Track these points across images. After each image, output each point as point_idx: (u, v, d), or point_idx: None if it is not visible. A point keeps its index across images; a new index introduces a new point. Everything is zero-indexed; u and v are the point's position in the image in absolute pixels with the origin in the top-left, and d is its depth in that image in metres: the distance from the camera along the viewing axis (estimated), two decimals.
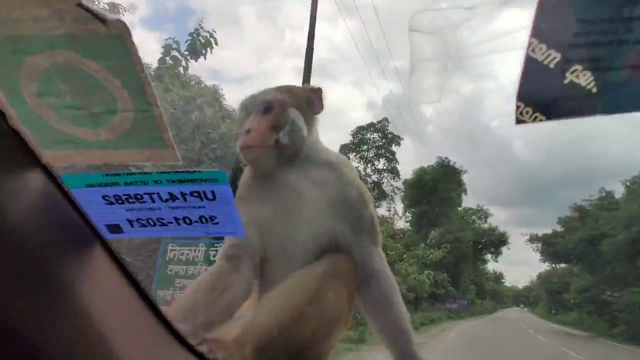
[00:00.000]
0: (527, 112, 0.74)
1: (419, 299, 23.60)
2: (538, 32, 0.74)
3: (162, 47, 8.13)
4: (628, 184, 26.63)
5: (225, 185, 0.74)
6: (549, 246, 30.44)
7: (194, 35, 8.36)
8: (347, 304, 1.32)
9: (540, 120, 0.74)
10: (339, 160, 1.49)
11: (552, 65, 0.73)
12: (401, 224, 37.38)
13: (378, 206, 34.01)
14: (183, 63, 8.22)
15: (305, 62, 8.61)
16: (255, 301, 1.46)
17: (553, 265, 40.38)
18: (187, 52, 8.29)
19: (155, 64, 7.91)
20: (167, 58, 8.03)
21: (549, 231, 32.16)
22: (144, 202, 0.76)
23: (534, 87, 0.75)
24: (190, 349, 0.86)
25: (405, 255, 25.71)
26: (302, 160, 1.39)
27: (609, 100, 0.71)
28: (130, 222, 0.79)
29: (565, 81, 0.72)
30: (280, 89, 1.41)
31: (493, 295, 73.32)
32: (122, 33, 0.65)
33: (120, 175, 0.71)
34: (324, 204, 1.35)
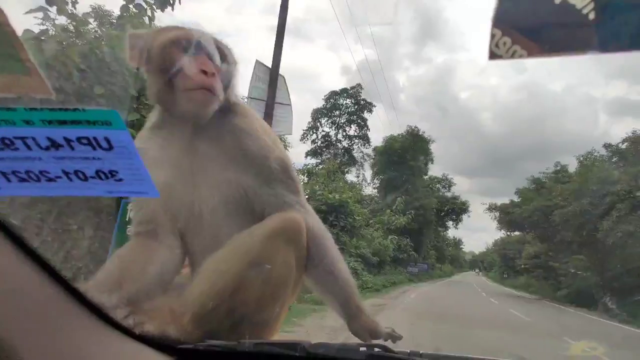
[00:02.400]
0: (504, 44, 0.59)
1: (382, 263, 24.33)
2: None
3: None
4: (581, 159, 27.92)
5: (122, 131, 0.58)
6: (506, 215, 31.71)
7: None
8: (295, 266, 1.23)
9: (520, 56, 0.59)
10: (235, 109, 1.34)
11: None
12: (369, 190, 38.01)
13: (348, 172, 34.38)
14: (148, 13, 7.62)
15: (279, 20, 8.16)
16: (190, 272, 1.36)
17: (508, 233, 42.38)
18: (152, 1, 7.67)
19: (117, 12, 7.35)
20: (131, 6, 7.41)
21: (507, 201, 33.42)
22: (17, 149, 0.59)
23: (515, 10, 0.58)
24: (113, 323, 0.76)
25: (371, 221, 26.23)
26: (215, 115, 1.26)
27: (608, 32, 0.55)
28: (4, 175, 0.62)
29: (557, 1, 0.56)
30: (215, 40, 1.27)
31: (452, 260, 76.87)
32: None
33: None
34: (222, 159, 1.25)
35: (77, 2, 6.35)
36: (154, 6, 7.55)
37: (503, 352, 7.42)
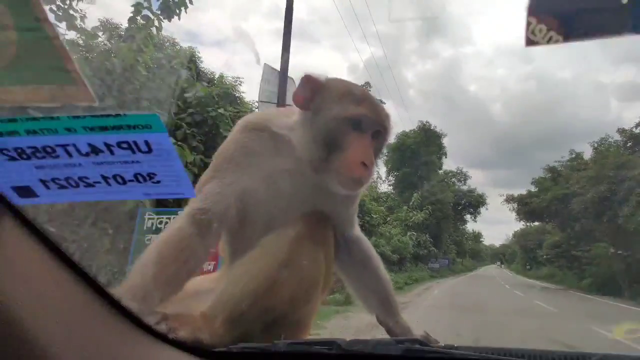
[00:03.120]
0: (540, 31, 0.60)
1: (402, 260, 24.16)
2: None
3: (132, 5, 7.59)
4: (596, 145, 27.36)
5: (161, 134, 0.58)
6: (524, 206, 31.22)
7: None
8: (325, 266, 1.24)
9: (556, 41, 0.60)
10: None
11: None
12: (384, 187, 37.86)
13: None
14: (156, 23, 7.71)
15: (285, 22, 8.20)
16: (225, 271, 1.36)
17: (528, 224, 41.71)
18: (159, 12, 7.77)
19: (125, 24, 7.48)
20: (138, 18, 7.51)
21: (524, 191, 32.91)
22: (58, 156, 0.59)
23: None
24: (148, 329, 0.76)
25: (388, 218, 26.13)
26: None
27: None
28: (44, 182, 0.63)
29: None
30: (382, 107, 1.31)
31: (472, 254, 75.94)
32: None
33: (17, 120, 0.54)
34: (325, 194, 1.28)
35: (86, 17, 6.47)
36: (160, 17, 7.65)
37: (531, 342, 7.30)
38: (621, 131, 26.04)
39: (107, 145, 0.60)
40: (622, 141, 25.90)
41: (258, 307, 1.09)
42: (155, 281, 1.05)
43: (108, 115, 0.56)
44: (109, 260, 5.16)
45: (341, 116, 1.19)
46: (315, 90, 1.23)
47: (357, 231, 1.45)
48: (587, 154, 28.49)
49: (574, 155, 30.20)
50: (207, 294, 1.20)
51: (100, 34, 7.24)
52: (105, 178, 0.65)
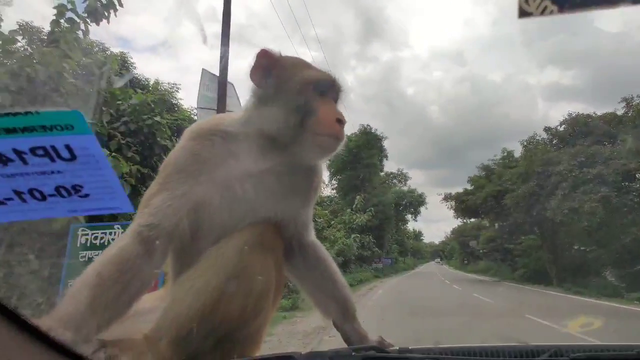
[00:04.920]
0: (533, 0, 0.57)
1: (347, 262, 24.43)
2: None
3: (55, 7, 7.02)
4: (525, 143, 29.49)
5: (86, 136, 0.48)
6: (461, 203, 32.88)
7: None
8: (276, 274, 1.19)
9: (551, 11, 0.57)
10: None
11: None
12: (328, 191, 38.15)
13: None
14: (82, 27, 7.21)
15: (222, 26, 8.01)
16: (169, 288, 1.29)
17: (465, 221, 44.01)
18: (86, 14, 7.28)
19: (47, 28, 6.90)
20: (62, 20, 7.00)
21: (460, 190, 34.67)
22: None
23: None
24: None
25: (332, 222, 26.30)
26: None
27: None
28: None
29: None
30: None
31: (414, 252, 78.88)
32: None
33: None
34: (287, 192, 1.28)
35: (2, 20, 5.92)
36: (87, 20, 7.17)
37: (472, 336, 7.62)
38: (547, 129, 28.24)
39: (18, 153, 0.48)
40: (549, 139, 28.07)
41: (206, 324, 1.03)
42: (92, 307, 0.94)
43: (16, 114, 0.44)
44: (32, 290, 4.64)
45: (307, 80, 1.22)
46: (271, 65, 1.24)
47: (313, 236, 1.43)
48: (518, 152, 30.56)
49: (505, 154, 32.26)
50: (150, 314, 1.14)
51: (19, 38, 6.66)
52: (18, 194, 0.53)
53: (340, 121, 1.21)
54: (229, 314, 1.06)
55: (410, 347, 1.13)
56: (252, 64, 1.25)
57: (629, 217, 19.63)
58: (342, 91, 1.31)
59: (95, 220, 5.16)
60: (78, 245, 5.09)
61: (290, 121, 1.19)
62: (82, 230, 5.13)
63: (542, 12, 0.57)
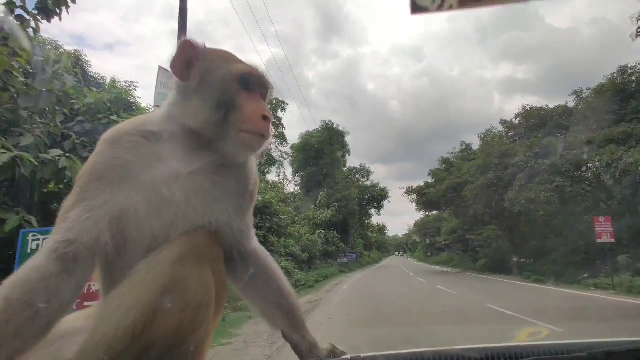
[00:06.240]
0: None
1: (312, 258, 24.23)
2: None
3: (3, 4, 6.52)
4: (482, 136, 30.29)
5: None
6: (422, 196, 33.33)
7: None
8: (217, 285, 1.11)
9: (450, 6, 0.52)
10: None
11: None
12: (291, 188, 37.84)
13: (268, 172, 33.82)
14: (32, 24, 6.83)
15: (179, 22, 7.93)
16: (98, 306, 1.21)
17: (427, 214, 44.83)
18: (36, 11, 6.88)
19: None
20: (11, 18, 6.60)
21: (422, 183, 35.13)
22: None
23: None
24: None
25: (297, 218, 26.02)
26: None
27: None
28: None
29: None
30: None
31: (378, 246, 79.99)
32: None
33: None
34: (217, 195, 1.19)
35: None
36: (38, 17, 6.70)
37: (438, 329, 7.51)
38: (503, 122, 29.08)
39: None
40: (505, 131, 28.93)
41: (138, 344, 0.95)
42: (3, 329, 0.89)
43: None
44: None
45: (233, 74, 1.18)
46: (195, 57, 1.19)
47: (255, 243, 1.34)
48: (476, 144, 31.34)
49: (464, 147, 33.05)
50: (79, 335, 1.09)
51: None
52: None
53: (267, 118, 1.16)
54: (163, 331, 0.98)
55: (362, 356, 1.15)
56: (174, 55, 1.18)
57: (582, 205, 20.45)
58: (270, 87, 1.26)
59: (47, 223, 4.99)
60: (29, 251, 4.83)
61: (214, 117, 1.16)
62: (33, 235, 4.91)
63: (440, 8, 0.54)
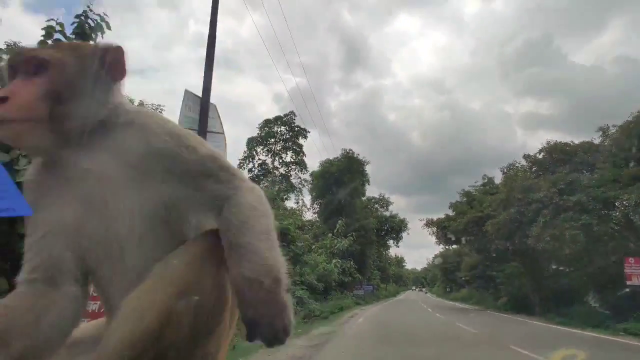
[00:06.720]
0: None
1: (328, 288, 23.80)
2: None
3: (43, 28, 6.95)
4: (505, 170, 29.72)
5: None
6: (442, 229, 32.56)
7: (82, 17, 7.37)
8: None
9: None
10: (140, 115, 1.18)
11: None
12: (309, 215, 37.74)
13: (287, 198, 33.90)
14: None
15: (207, 48, 7.98)
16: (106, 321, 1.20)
17: (446, 247, 43.77)
18: (73, 36, 7.28)
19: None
20: (49, 42, 6.97)
21: (442, 215, 34.43)
22: None
23: None
24: None
25: (314, 246, 25.80)
26: (97, 132, 1.11)
27: None
28: None
29: None
30: (60, 46, 1.23)
31: (396, 278, 78.19)
32: None
33: None
34: (134, 174, 1.09)
35: None
36: (74, 41, 7.16)
37: None
38: (526, 157, 28.52)
39: None
40: (528, 166, 28.32)
41: (154, 348, 0.95)
42: (6, 331, 0.96)
43: None
44: None
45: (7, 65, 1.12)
46: None
47: (233, 190, 1.15)
48: (498, 178, 30.75)
49: (486, 180, 32.45)
50: (92, 344, 1.10)
51: (4, 56, 6.55)
52: None
53: (3, 99, 1.00)
54: (179, 334, 0.98)
55: None
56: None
57: (610, 245, 19.62)
58: (33, 63, 1.07)
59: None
60: None
61: None
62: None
63: None
